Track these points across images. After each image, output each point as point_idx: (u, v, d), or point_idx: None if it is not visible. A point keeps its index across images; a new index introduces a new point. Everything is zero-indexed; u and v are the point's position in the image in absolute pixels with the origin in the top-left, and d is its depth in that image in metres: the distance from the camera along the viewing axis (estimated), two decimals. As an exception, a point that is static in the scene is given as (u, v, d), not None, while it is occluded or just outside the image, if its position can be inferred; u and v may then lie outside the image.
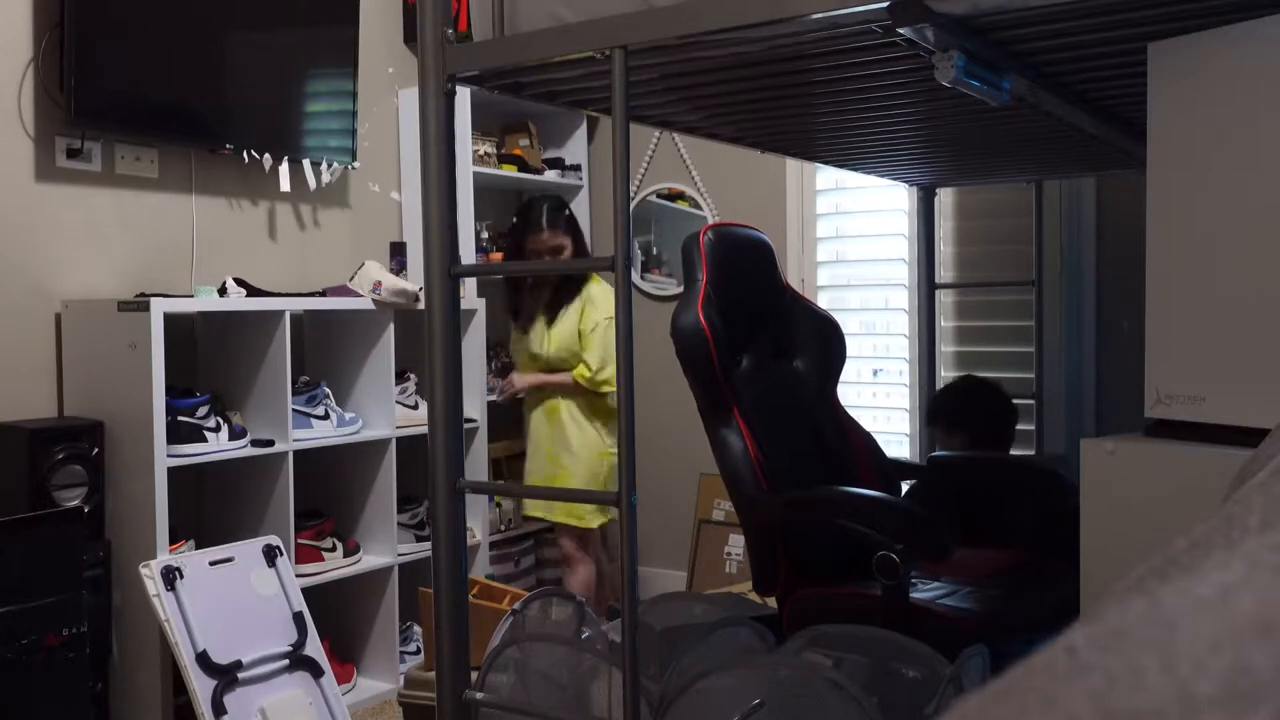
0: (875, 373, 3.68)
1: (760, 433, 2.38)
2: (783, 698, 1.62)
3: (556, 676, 1.95)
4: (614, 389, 3.07)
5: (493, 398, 3.61)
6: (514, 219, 3.50)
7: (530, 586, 3.83)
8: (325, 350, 3.39)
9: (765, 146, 2.54)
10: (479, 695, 1.73)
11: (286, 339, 2.98)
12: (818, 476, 2.54)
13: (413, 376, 3.51)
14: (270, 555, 2.85)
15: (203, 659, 2.56)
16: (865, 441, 2.74)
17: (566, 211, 3.39)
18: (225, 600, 2.69)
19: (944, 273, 3.49)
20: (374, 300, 3.24)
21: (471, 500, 3.53)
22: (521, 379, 3.39)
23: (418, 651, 3.43)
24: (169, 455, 2.72)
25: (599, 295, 3.29)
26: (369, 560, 3.27)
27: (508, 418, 4.22)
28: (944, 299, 3.50)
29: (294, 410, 3.03)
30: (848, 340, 2.85)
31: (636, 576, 1.49)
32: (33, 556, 2.43)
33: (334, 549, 3.18)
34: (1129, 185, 3.19)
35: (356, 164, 3.56)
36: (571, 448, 3.30)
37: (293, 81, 3.32)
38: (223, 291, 3.01)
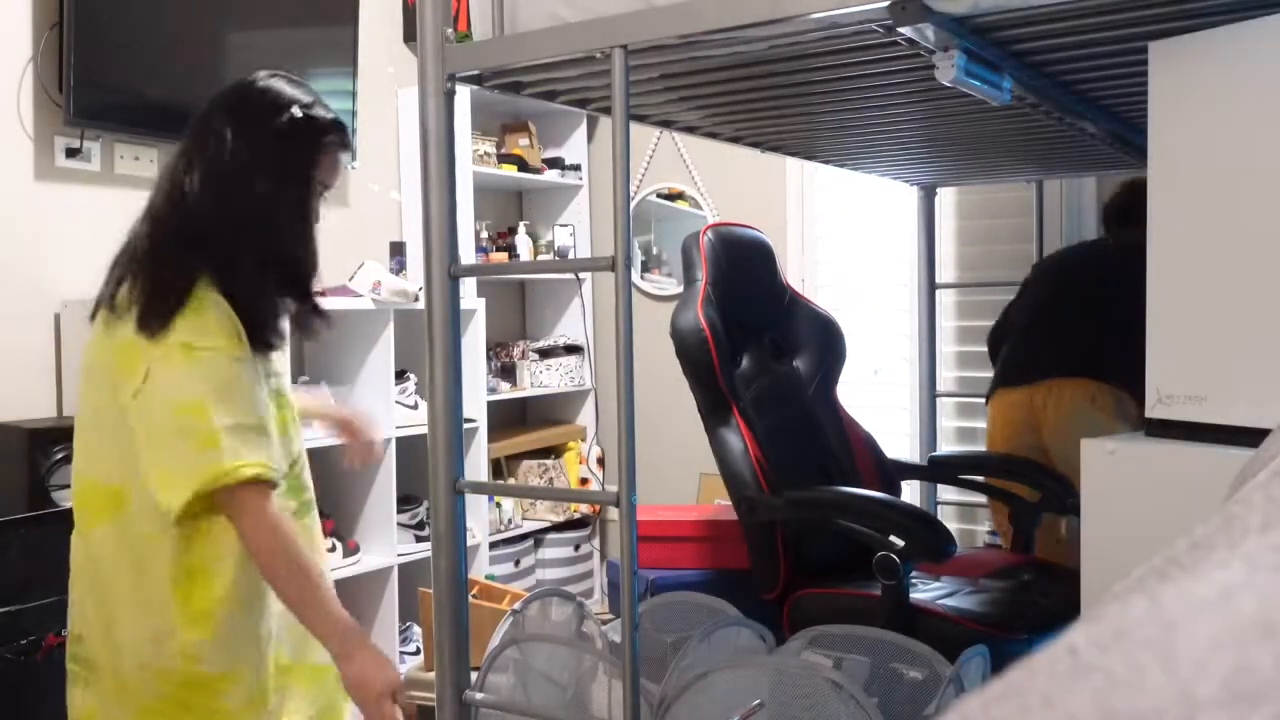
0: (875, 372, 3.68)
1: (760, 433, 2.38)
2: (783, 698, 1.62)
3: (556, 676, 1.95)
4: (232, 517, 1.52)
5: None
6: None
7: (530, 586, 3.83)
8: (325, 350, 3.39)
9: (765, 146, 2.54)
10: (479, 695, 1.73)
11: (286, 339, 2.97)
12: (818, 476, 2.54)
13: (413, 376, 3.51)
14: (270, 555, 2.85)
15: (202, 659, 2.55)
16: (865, 441, 2.74)
17: None
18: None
19: (944, 273, 3.49)
20: (374, 300, 3.24)
21: (471, 500, 3.54)
22: None
23: (417, 651, 3.43)
24: (169, 455, 2.71)
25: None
26: (368, 560, 3.27)
27: (508, 418, 4.23)
28: (944, 299, 3.50)
29: (294, 410, 3.03)
30: (848, 340, 2.85)
31: (636, 576, 1.49)
32: (32, 556, 2.43)
33: (333, 549, 3.18)
34: (1129, 185, 3.19)
35: (356, 164, 3.56)
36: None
37: (292, 81, 3.32)
38: (222, 291, 3.00)
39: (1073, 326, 2.84)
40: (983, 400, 3.07)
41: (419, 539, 3.44)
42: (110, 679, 1.59)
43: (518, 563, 3.92)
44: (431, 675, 2.63)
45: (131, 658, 1.56)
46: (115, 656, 1.58)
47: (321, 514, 3.18)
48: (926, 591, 2.29)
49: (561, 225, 4.13)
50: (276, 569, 1.51)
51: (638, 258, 4.15)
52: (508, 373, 4.01)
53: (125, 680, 1.57)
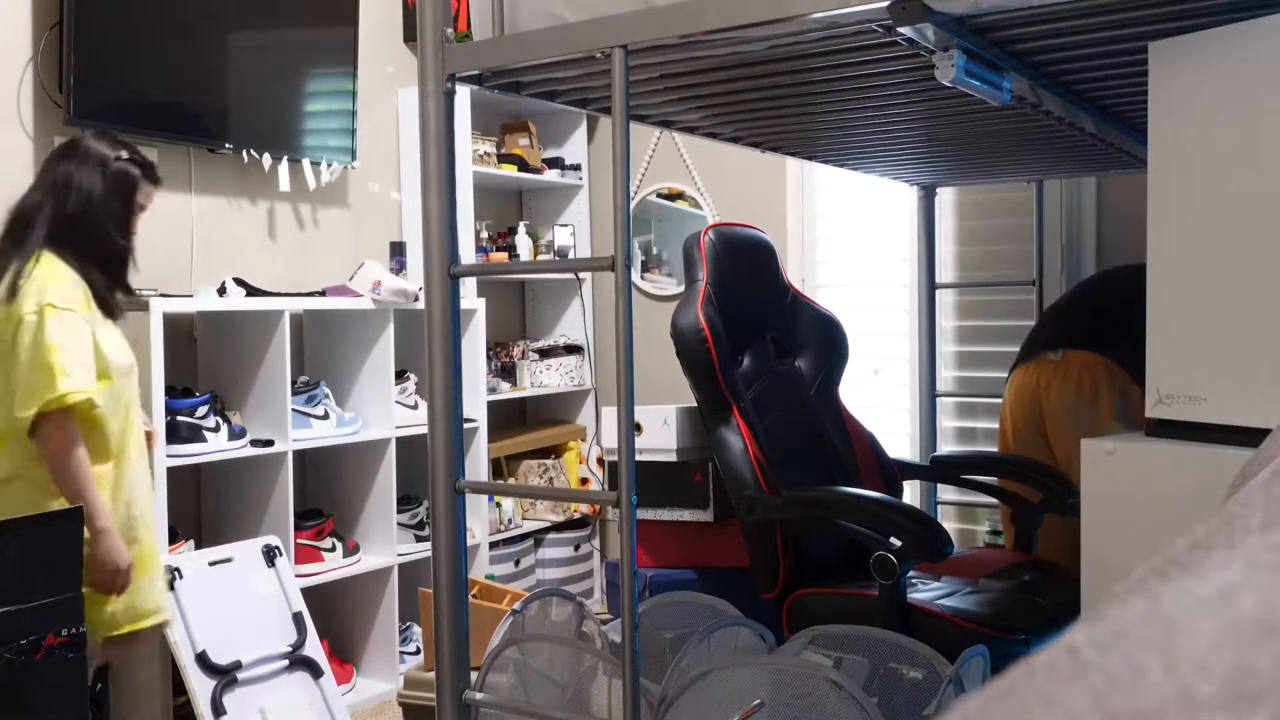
0: (875, 372, 3.68)
1: (761, 432, 2.38)
2: (783, 698, 1.62)
3: (556, 676, 1.95)
4: (55, 434, 2.04)
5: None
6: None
7: (530, 586, 3.83)
8: (325, 350, 3.39)
9: (765, 146, 2.54)
10: (479, 695, 1.73)
11: (286, 339, 2.98)
12: (818, 476, 2.54)
13: (413, 376, 3.51)
14: (270, 555, 2.85)
15: (202, 659, 2.56)
16: (867, 441, 2.74)
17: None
18: (225, 600, 2.69)
19: (944, 272, 3.49)
20: (374, 300, 3.24)
21: (471, 500, 3.54)
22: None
23: (417, 651, 3.43)
24: (168, 455, 2.72)
25: (40, 277, 2.09)
26: (368, 560, 3.27)
27: (508, 418, 4.23)
28: (944, 299, 3.50)
29: (294, 410, 3.03)
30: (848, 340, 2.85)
31: (636, 576, 1.49)
32: (33, 556, 2.42)
33: (333, 549, 3.18)
34: (1129, 185, 3.19)
35: (356, 164, 3.56)
36: None
37: (293, 81, 3.32)
38: (222, 291, 3.01)
39: (1094, 297, 2.82)
40: (982, 399, 3.07)
41: (419, 539, 3.44)
42: None
43: (518, 563, 3.92)
44: (431, 675, 2.63)
45: None
46: None
47: (321, 514, 3.20)
48: (926, 591, 2.29)
49: (561, 225, 4.13)
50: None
51: (638, 258, 4.15)
52: (508, 373, 4.01)
53: None
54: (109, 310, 2.20)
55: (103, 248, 2.19)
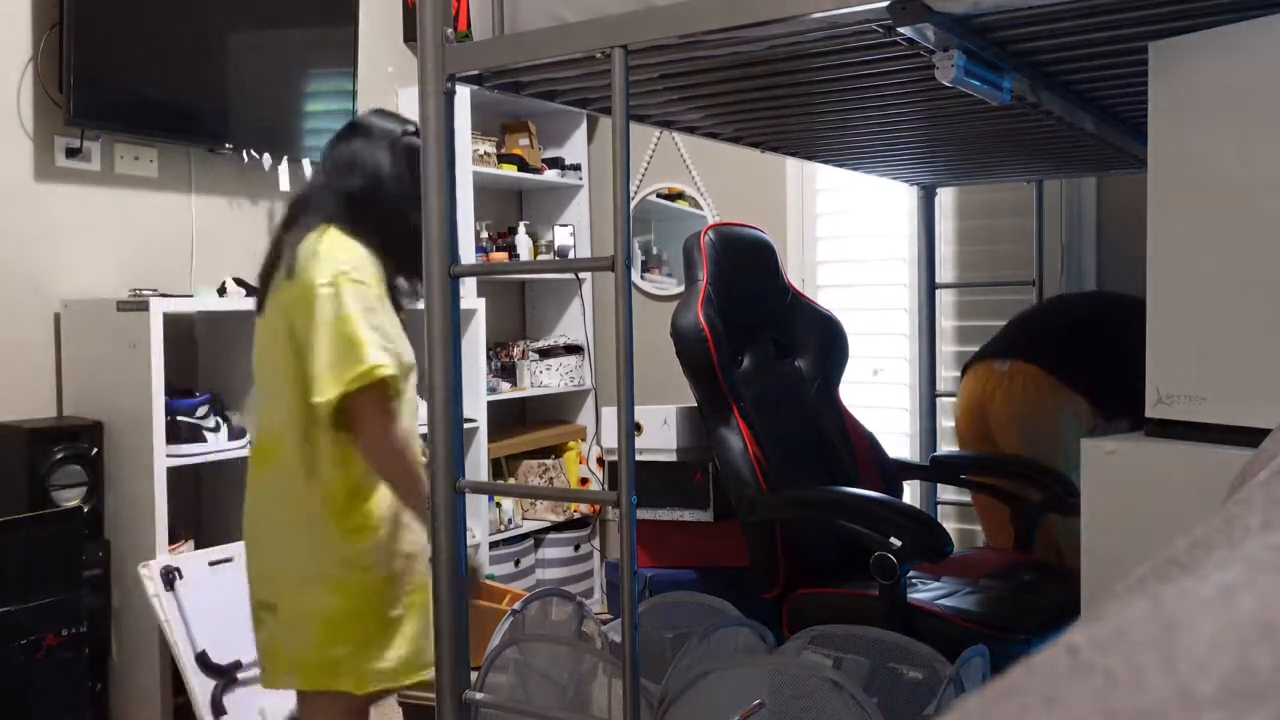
0: (875, 372, 3.68)
1: (761, 432, 2.38)
2: (783, 698, 1.62)
3: (556, 676, 1.95)
4: (374, 411, 1.89)
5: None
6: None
7: (530, 586, 3.83)
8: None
9: (765, 146, 2.54)
10: (479, 695, 1.73)
11: (286, 339, 2.97)
12: (818, 476, 2.54)
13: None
14: (270, 555, 2.85)
15: (202, 659, 2.56)
16: (867, 441, 2.74)
17: None
18: (225, 600, 2.69)
19: (944, 272, 3.49)
20: (374, 300, 3.24)
21: (471, 500, 3.53)
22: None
23: (417, 651, 3.43)
24: (168, 455, 2.71)
25: (328, 249, 1.89)
26: (369, 560, 3.27)
27: (508, 418, 4.23)
28: (944, 299, 3.50)
29: (294, 410, 3.03)
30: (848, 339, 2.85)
31: (635, 577, 1.49)
32: (32, 556, 2.43)
33: (334, 549, 3.17)
34: (1129, 185, 3.19)
35: (356, 164, 3.55)
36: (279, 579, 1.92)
37: (292, 81, 3.32)
38: (222, 291, 3.01)
39: (1049, 316, 2.93)
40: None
41: (419, 539, 3.43)
42: (285, 608, 1.89)
43: (518, 563, 3.92)
44: (431, 675, 2.63)
45: (292, 576, 1.87)
46: (281, 585, 1.89)
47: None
48: (926, 591, 2.29)
49: (561, 225, 4.13)
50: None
51: (638, 258, 4.15)
52: (508, 373, 4.01)
53: (297, 602, 1.88)
54: (395, 301, 2.03)
55: (394, 227, 1.96)
